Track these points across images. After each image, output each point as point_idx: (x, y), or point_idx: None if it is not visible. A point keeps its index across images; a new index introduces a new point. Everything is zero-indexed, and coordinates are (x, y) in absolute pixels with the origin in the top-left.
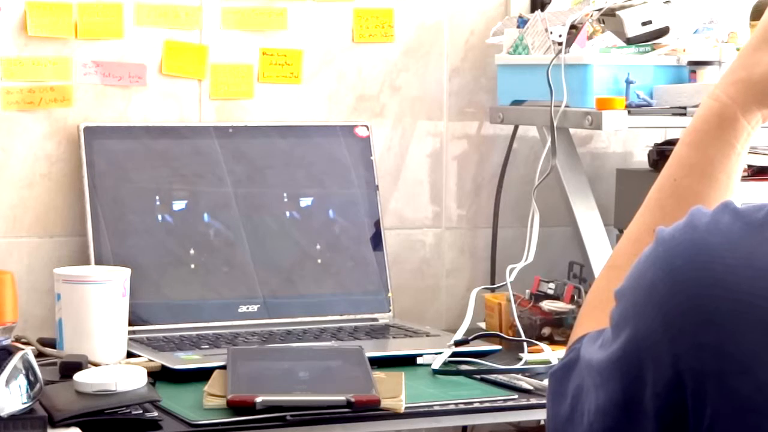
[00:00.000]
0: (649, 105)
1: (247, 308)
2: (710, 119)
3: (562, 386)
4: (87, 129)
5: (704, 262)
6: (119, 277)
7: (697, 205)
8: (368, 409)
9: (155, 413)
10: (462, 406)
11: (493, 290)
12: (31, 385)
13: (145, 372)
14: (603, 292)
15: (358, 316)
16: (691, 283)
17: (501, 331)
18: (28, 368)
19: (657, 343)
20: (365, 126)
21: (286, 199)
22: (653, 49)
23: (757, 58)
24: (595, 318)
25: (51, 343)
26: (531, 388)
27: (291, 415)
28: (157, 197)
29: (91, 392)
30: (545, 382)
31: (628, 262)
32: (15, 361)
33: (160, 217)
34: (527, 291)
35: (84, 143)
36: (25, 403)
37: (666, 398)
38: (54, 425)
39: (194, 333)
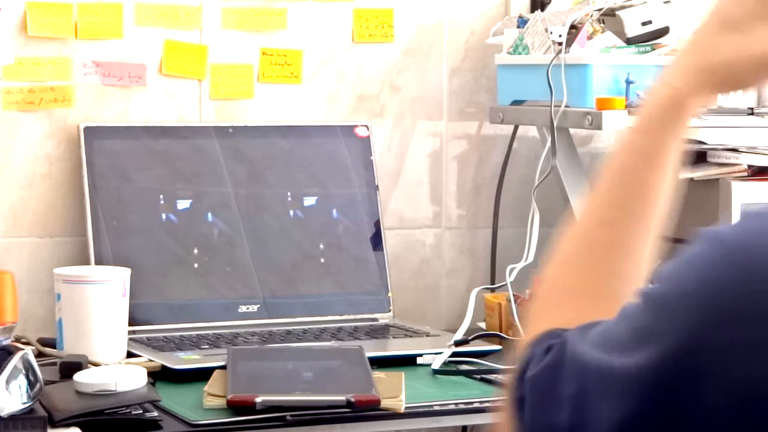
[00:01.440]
0: None
1: (247, 308)
2: (665, 107)
3: (553, 391)
4: (87, 129)
5: None
6: (119, 277)
7: (646, 194)
8: (368, 409)
9: (155, 413)
10: (462, 406)
11: (493, 290)
12: (31, 385)
13: (145, 372)
14: (558, 288)
15: (358, 316)
16: (761, 285)
17: (501, 331)
18: (28, 368)
19: (723, 352)
20: (365, 126)
21: (286, 199)
22: (653, 49)
23: (717, 44)
24: (553, 314)
25: (51, 343)
26: None
27: (291, 415)
28: (157, 197)
29: (91, 392)
30: None
31: (581, 257)
32: (15, 361)
33: (160, 217)
34: (527, 291)
35: (84, 143)
36: (25, 403)
37: (725, 413)
38: (54, 425)
39: (194, 333)
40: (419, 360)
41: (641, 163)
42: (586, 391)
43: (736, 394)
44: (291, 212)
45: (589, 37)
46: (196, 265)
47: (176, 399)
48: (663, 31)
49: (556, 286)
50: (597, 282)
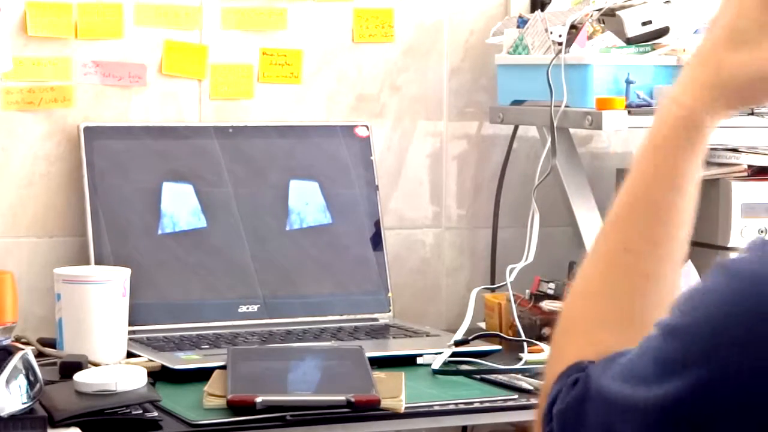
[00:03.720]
0: (649, 105)
1: (247, 308)
2: (678, 127)
3: (579, 425)
4: (87, 129)
5: None
6: (119, 277)
7: (668, 217)
8: (368, 409)
9: (155, 413)
10: (462, 406)
11: (493, 290)
12: (31, 385)
13: (145, 372)
14: (581, 320)
15: (358, 316)
16: None
17: (501, 331)
18: (28, 368)
19: (745, 387)
20: (365, 126)
21: (286, 199)
22: (653, 49)
23: (726, 59)
24: (579, 347)
25: (51, 343)
26: (531, 388)
27: (291, 415)
28: (157, 197)
29: (91, 392)
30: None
31: (604, 288)
32: (15, 361)
33: (160, 217)
34: (527, 291)
35: (84, 143)
36: (25, 403)
37: None
38: (54, 425)
39: (194, 333)
40: (419, 360)
41: (660, 186)
42: (612, 424)
43: (761, 419)
44: (291, 212)
45: (589, 37)
46: (195, 265)
47: (176, 399)
48: (663, 31)
49: (582, 317)
50: (625, 311)
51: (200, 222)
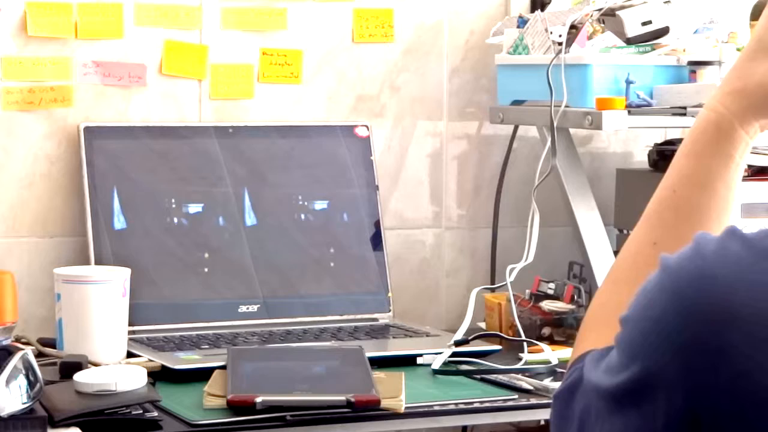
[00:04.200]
0: (649, 105)
1: (247, 308)
2: (707, 130)
3: (568, 408)
4: (87, 129)
5: (716, 295)
6: (119, 277)
7: (697, 216)
8: (368, 409)
9: (155, 413)
10: (462, 406)
11: (493, 290)
12: (31, 385)
13: (145, 372)
14: (604, 308)
15: (358, 316)
16: (703, 317)
17: (501, 331)
18: (28, 368)
19: (669, 378)
20: (365, 126)
21: (286, 199)
22: (653, 49)
23: (753, 68)
24: (598, 334)
25: (51, 343)
26: (531, 388)
27: (291, 415)
28: (157, 197)
29: (91, 392)
30: (545, 382)
31: (629, 277)
32: (15, 361)
33: (160, 217)
34: (527, 291)
35: (84, 143)
36: (25, 403)
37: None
38: (54, 425)
39: (194, 333)
40: (419, 360)
41: (690, 185)
42: (590, 408)
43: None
44: (291, 212)
45: (589, 37)
46: (195, 265)
47: (176, 399)
48: (663, 31)
49: (604, 305)
50: None
51: (200, 222)
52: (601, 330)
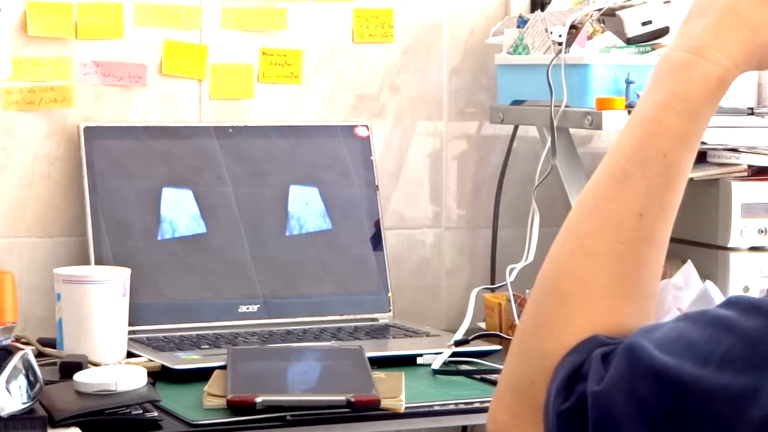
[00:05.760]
0: None
1: (247, 308)
2: (710, 87)
3: (630, 404)
4: (87, 129)
5: None
6: (119, 277)
7: (682, 181)
8: (368, 409)
9: (155, 413)
10: (462, 406)
11: (493, 290)
12: (31, 385)
13: (145, 372)
14: (592, 284)
15: (358, 316)
16: None
17: (501, 331)
18: (28, 368)
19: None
20: (365, 126)
21: (286, 199)
22: (653, 49)
23: (761, 16)
24: (590, 317)
25: (51, 343)
26: None
27: (291, 415)
28: (158, 197)
29: (91, 392)
30: None
31: (611, 251)
32: (15, 361)
33: (160, 217)
34: (527, 291)
35: (84, 143)
36: (25, 403)
37: None
38: (54, 425)
39: (194, 333)
40: (419, 360)
41: (683, 149)
42: (685, 404)
43: None
44: (291, 212)
45: (589, 37)
46: (195, 265)
47: (176, 399)
48: (663, 31)
49: (589, 282)
50: (632, 280)
51: (200, 222)
52: (590, 311)
